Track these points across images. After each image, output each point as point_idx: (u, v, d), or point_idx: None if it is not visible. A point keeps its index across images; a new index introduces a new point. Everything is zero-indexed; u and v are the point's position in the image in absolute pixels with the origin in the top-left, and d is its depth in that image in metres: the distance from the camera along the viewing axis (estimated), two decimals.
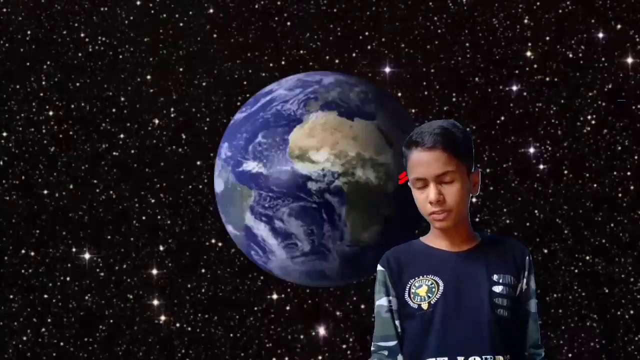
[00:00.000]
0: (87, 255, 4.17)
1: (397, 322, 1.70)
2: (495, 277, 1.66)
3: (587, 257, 4.09)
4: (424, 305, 1.65)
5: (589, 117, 4.12)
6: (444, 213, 1.66)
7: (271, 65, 4.20)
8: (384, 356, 1.71)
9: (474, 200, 1.80)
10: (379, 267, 1.73)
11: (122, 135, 4.24)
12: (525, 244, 1.78)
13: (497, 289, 1.65)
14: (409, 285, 1.68)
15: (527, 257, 1.72)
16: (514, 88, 4.16)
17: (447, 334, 1.63)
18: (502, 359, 1.61)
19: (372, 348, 1.75)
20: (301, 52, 4.22)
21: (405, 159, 1.74)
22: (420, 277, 1.68)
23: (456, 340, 1.62)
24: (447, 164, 1.66)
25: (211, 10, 4.27)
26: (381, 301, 1.71)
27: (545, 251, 4.11)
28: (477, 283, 1.66)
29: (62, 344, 4.16)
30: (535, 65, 4.16)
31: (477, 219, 4.08)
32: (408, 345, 1.68)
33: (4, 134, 4.24)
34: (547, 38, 4.17)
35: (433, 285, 1.66)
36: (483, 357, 1.60)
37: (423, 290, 1.67)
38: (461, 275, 1.67)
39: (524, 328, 1.70)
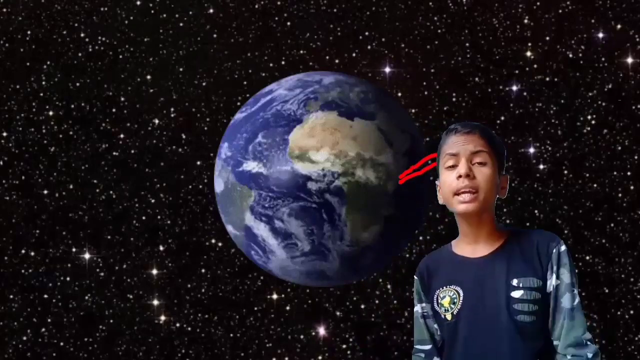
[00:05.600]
0: (87, 255, 4.17)
1: (435, 326, 1.73)
2: (514, 281, 1.63)
3: (587, 257, 4.09)
4: (448, 316, 1.67)
5: (589, 117, 4.12)
6: (471, 194, 1.65)
7: (271, 65, 4.20)
8: (420, 358, 1.74)
9: None
10: (415, 276, 1.78)
11: (122, 135, 4.24)
12: (555, 235, 1.68)
13: (517, 294, 1.62)
14: (435, 296, 1.71)
15: (555, 250, 1.65)
16: (514, 88, 4.16)
17: (469, 343, 1.64)
18: None
19: (413, 351, 1.79)
20: (301, 52, 4.22)
21: (439, 150, 1.75)
22: (444, 287, 1.70)
23: (477, 349, 1.62)
24: (483, 146, 1.69)
25: (211, 10, 4.27)
26: (416, 307, 1.77)
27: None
28: (495, 290, 1.63)
29: (62, 344, 4.16)
30: (535, 65, 4.16)
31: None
32: (444, 351, 1.72)
33: (4, 134, 4.24)
34: (547, 38, 4.17)
35: (455, 295, 1.67)
36: None
37: (446, 301, 1.68)
38: (481, 284, 1.66)
39: (559, 328, 1.61)
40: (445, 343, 1.70)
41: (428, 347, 1.74)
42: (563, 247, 1.66)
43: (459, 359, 1.65)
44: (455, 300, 1.67)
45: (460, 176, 1.66)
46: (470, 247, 1.72)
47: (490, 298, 1.63)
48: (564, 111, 4.14)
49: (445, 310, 1.67)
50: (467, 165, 1.66)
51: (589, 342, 1.59)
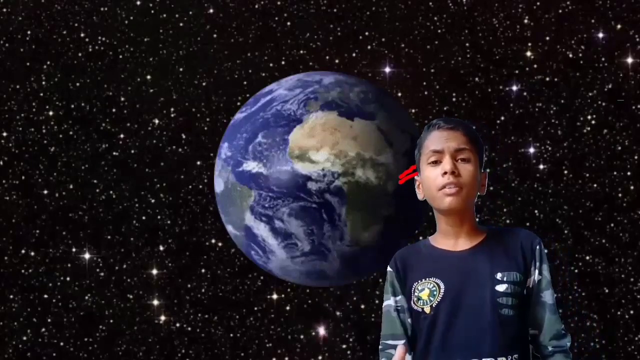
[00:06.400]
0: (87, 255, 4.17)
1: (408, 321, 1.68)
2: (499, 275, 1.63)
3: (587, 257, 4.09)
4: (427, 309, 1.64)
5: (589, 117, 4.12)
6: (456, 188, 1.65)
7: (271, 65, 4.20)
8: (391, 355, 1.67)
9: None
10: (388, 268, 1.73)
11: (122, 135, 4.24)
12: (535, 234, 1.72)
13: (501, 288, 1.62)
14: (412, 289, 1.67)
15: (538, 247, 1.69)
16: (514, 88, 4.16)
17: (449, 337, 1.61)
18: None
19: (380, 346, 1.72)
20: (301, 52, 4.22)
21: (419, 145, 1.74)
22: (423, 280, 1.67)
23: (457, 342, 1.60)
24: (466, 143, 1.68)
25: (211, 10, 4.27)
26: (389, 301, 1.71)
27: (546, 251, 4.10)
28: (479, 283, 1.63)
29: (62, 344, 4.16)
30: (535, 65, 4.16)
31: (476, 219, 4.07)
32: (417, 346, 1.67)
33: (4, 134, 4.24)
34: (547, 38, 4.17)
35: (435, 288, 1.65)
36: (483, 359, 1.59)
37: (425, 294, 1.65)
38: (463, 276, 1.64)
39: (541, 321, 1.66)
40: (420, 338, 1.65)
41: (401, 342, 1.67)
42: (542, 245, 1.72)
43: (436, 353, 1.61)
44: (435, 292, 1.64)
45: (445, 173, 1.65)
46: (450, 242, 1.70)
47: (473, 291, 1.62)
48: (564, 111, 4.14)
49: (423, 303, 1.64)
50: (452, 162, 1.66)
51: (564, 332, 1.68)
